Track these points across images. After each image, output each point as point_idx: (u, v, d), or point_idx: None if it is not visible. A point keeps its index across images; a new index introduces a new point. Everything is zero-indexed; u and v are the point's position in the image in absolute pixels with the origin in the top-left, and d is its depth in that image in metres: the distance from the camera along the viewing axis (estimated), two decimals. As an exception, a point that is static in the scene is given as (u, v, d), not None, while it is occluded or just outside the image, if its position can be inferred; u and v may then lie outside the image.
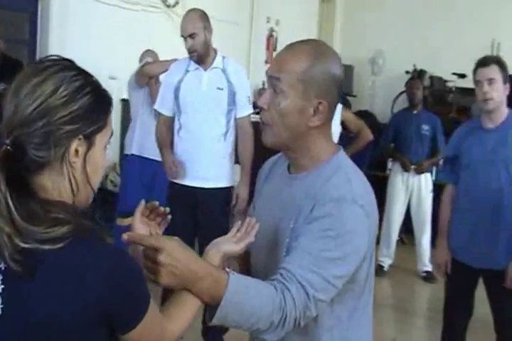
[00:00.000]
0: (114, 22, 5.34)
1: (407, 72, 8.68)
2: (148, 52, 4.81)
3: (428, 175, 5.53)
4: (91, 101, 1.14)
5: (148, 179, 4.54)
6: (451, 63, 8.20)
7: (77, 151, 1.13)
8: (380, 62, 8.92)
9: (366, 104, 8.76)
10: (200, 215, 3.45)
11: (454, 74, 8.16)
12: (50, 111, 1.10)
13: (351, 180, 1.41)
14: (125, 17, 5.45)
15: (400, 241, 6.09)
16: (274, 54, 7.76)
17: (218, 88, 3.41)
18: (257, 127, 1.97)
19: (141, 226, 1.39)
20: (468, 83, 8.19)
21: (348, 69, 8.65)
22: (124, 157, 4.85)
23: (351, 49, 9.02)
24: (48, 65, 1.14)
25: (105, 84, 1.23)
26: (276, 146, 1.48)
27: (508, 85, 2.97)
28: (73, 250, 1.06)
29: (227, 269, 1.29)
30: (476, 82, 2.98)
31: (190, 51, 3.44)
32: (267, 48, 7.99)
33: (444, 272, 3.12)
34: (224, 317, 1.25)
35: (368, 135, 4.62)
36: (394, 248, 5.53)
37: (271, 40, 7.99)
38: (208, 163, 3.40)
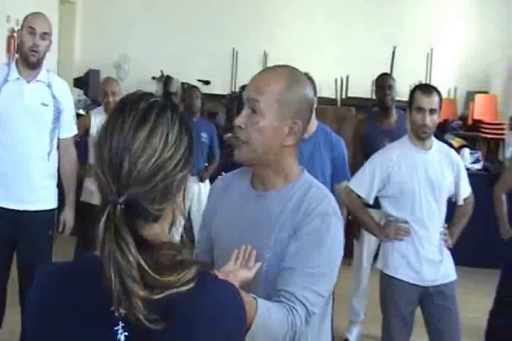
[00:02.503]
0: None
1: (154, 78, 8.87)
2: None
3: (207, 182, 5.72)
4: (189, 139, 1.07)
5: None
6: (196, 70, 8.60)
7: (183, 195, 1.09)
8: (125, 66, 8.91)
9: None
10: (22, 239, 3.11)
11: (200, 80, 8.60)
12: (165, 163, 1.01)
13: (328, 196, 1.55)
14: None
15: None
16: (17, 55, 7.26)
17: (43, 103, 3.11)
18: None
19: None
20: (211, 89, 8.76)
21: (95, 74, 8.46)
22: None
23: (95, 52, 8.84)
24: (144, 109, 1.03)
25: None
26: (251, 163, 1.56)
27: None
28: (203, 289, 1.01)
29: (251, 294, 1.36)
30: None
31: (33, 49, 3.10)
32: (8, 50, 7.39)
33: None
34: (251, 338, 1.31)
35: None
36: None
37: (11, 41, 7.40)
38: (30, 184, 3.09)
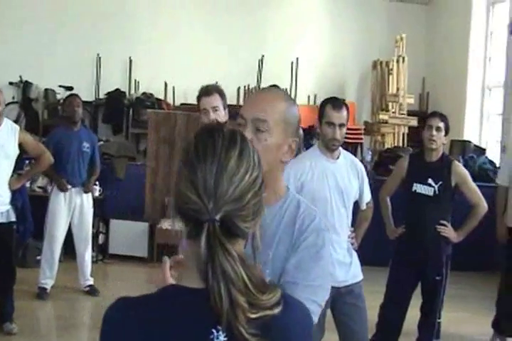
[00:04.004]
0: None
1: (11, 83, 8.38)
2: None
3: (90, 194, 5.54)
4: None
5: None
6: (58, 75, 8.26)
7: None
8: (-22, 71, 8.32)
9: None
10: None
11: (61, 86, 8.28)
12: (254, 181, 1.09)
13: (316, 211, 1.65)
14: None
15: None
16: None
17: None
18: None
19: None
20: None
21: None
22: None
23: None
24: (230, 133, 1.12)
25: None
26: None
27: (227, 111, 3.37)
28: (290, 308, 1.08)
29: None
30: (203, 110, 3.29)
31: None
32: None
33: None
34: None
35: (49, 159, 4.47)
36: (56, 268, 5.39)
37: None
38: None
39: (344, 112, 3.22)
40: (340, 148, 3.35)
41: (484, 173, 7.12)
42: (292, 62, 8.59)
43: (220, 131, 1.12)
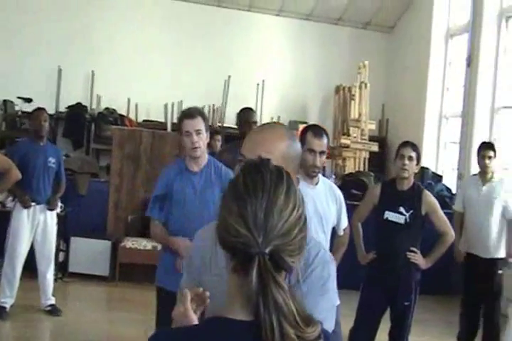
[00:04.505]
0: None
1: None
2: None
3: (54, 212, 5.42)
4: None
5: None
6: (17, 86, 8.11)
7: None
8: None
9: None
10: None
11: (20, 98, 8.12)
12: (300, 217, 1.12)
13: (320, 243, 1.71)
14: None
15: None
16: None
17: None
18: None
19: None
20: (33, 108, 8.30)
21: None
22: None
23: None
24: (276, 169, 1.17)
25: None
26: None
27: (208, 134, 3.40)
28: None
29: None
30: (186, 132, 3.31)
31: None
32: None
33: None
34: None
35: (17, 175, 4.38)
36: (17, 287, 5.25)
37: None
38: None
39: (325, 140, 3.31)
40: (319, 174, 3.41)
41: (442, 200, 7.30)
42: (258, 84, 8.70)
43: (268, 167, 1.16)
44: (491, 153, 5.04)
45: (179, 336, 1.11)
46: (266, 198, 1.10)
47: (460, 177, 7.74)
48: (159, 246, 6.35)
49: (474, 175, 5.39)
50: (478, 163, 5.19)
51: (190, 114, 3.38)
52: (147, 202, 6.77)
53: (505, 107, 7.54)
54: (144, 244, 6.47)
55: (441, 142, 8.86)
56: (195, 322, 1.37)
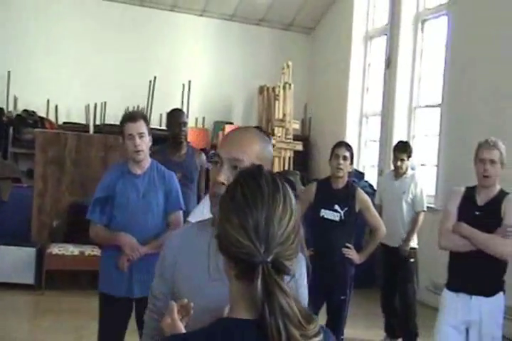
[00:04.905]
0: None
1: None
2: None
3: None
4: None
5: None
6: None
7: None
8: None
9: None
10: None
11: None
12: (296, 222, 1.16)
13: None
14: None
15: None
16: None
17: None
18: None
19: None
20: None
21: None
22: None
23: None
24: (271, 175, 1.20)
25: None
26: None
27: (151, 137, 3.37)
28: (326, 336, 1.17)
29: None
30: (129, 136, 3.27)
31: None
32: None
33: None
34: None
35: None
36: None
37: None
38: None
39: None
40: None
41: (366, 196, 7.56)
42: (184, 85, 8.64)
43: (263, 176, 1.18)
44: (404, 156, 5.32)
45: (188, 339, 1.17)
46: (266, 209, 1.13)
47: (381, 173, 8.01)
48: (87, 252, 6.27)
49: (392, 170, 5.68)
50: (393, 163, 5.51)
51: (132, 117, 3.36)
52: (73, 206, 6.71)
53: (422, 106, 7.87)
54: (71, 249, 6.29)
55: (362, 140, 9.14)
56: (183, 331, 1.44)
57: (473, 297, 3.44)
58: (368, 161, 9.04)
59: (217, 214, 1.29)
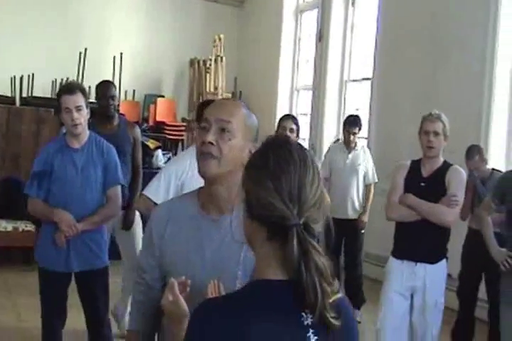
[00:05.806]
0: None
1: None
2: None
3: None
4: None
5: None
6: None
7: None
8: None
9: None
10: None
11: None
12: (323, 187, 1.22)
13: None
14: None
15: None
16: None
17: None
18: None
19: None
20: None
21: None
22: None
23: None
24: (297, 143, 1.27)
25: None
26: (217, 178, 1.67)
27: (89, 110, 3.31)
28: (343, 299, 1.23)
29: None
30: (66, 109, 3.19)
31: None
32: None
33: None
34: None
35: None
36: None
37: None
38: None
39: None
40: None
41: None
42: (115, 57, 8.41)
43: (292, 143, 1.25)
44: (356, 129, 5.43)
45: (226, 302, 1.19)
46: (298, 174, 1.19)
47: (313, 147, 8.15)
48: (21, 227, 6.08)
49: (336, 141, 5.74)
50: (344, 136, 5.58)
51: (69, 89, 3.25)
52: (5, 181, 6.45)
53: (353, 80, 8.03)
54: (4, 225, 6.09)
55: (293, 114, 9.23)
56: (186, 307, 1.48)
57: (418, 264, 3.59)
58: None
59: (242, 182, 1.31)
